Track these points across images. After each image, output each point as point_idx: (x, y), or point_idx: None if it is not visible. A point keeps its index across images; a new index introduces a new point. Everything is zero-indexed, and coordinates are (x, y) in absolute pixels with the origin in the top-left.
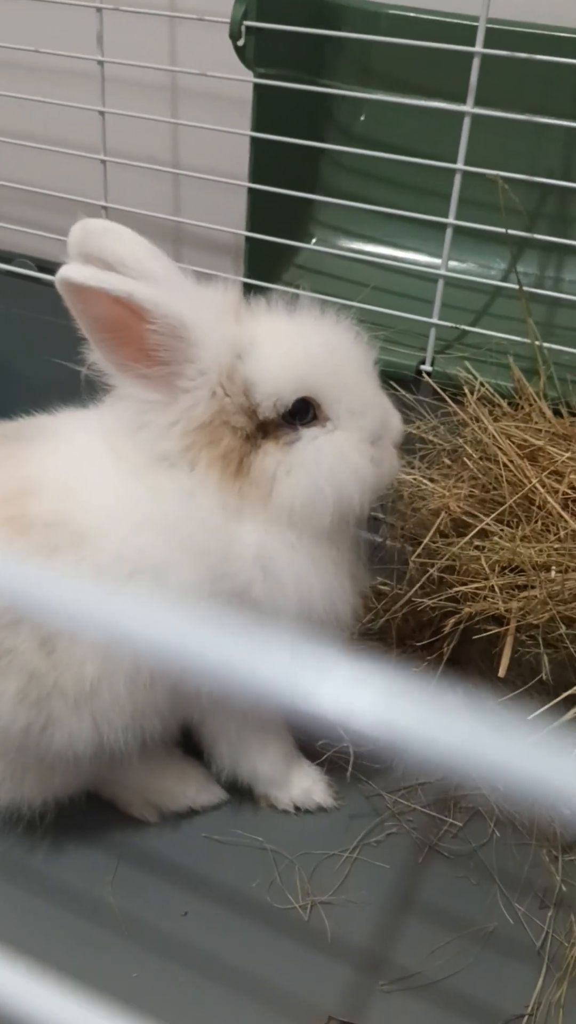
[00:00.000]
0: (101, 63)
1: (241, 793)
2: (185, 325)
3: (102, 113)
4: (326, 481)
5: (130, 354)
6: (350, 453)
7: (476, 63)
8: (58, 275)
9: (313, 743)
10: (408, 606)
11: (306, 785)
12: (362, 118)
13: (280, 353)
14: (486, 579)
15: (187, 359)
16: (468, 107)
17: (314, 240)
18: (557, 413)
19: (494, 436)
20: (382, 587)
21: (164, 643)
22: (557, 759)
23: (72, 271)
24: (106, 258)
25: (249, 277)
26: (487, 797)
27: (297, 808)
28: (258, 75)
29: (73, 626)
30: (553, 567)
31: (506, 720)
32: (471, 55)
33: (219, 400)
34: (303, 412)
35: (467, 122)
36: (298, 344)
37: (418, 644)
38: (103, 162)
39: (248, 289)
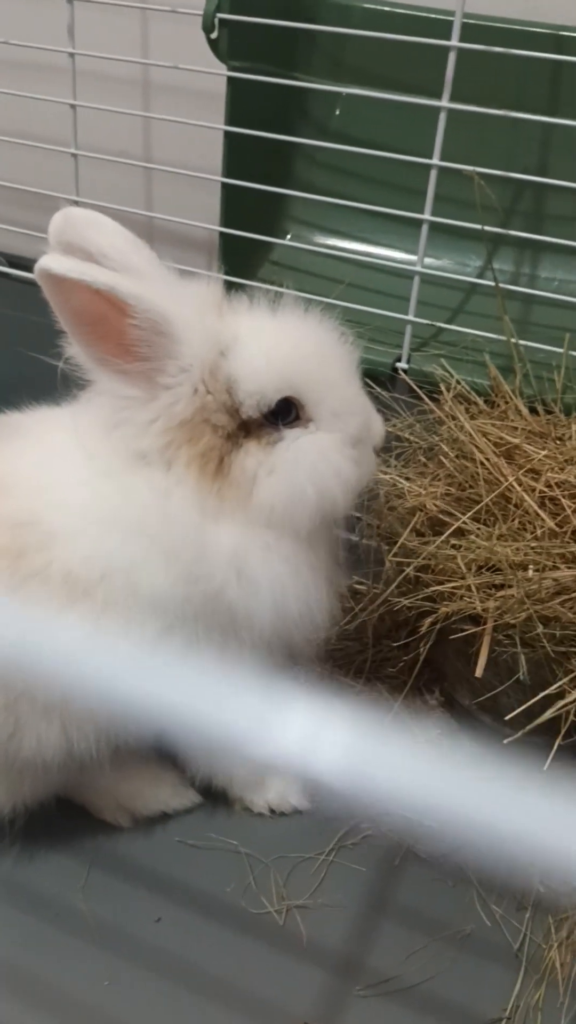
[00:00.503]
0: (72, 55)
1: (215, 796)
2: (167, 320)
3: (73, 106)
4: (308, 481)
5: (110, 349)
6: (332, 454)
7: (452, 57)
8: (38, 265)
9: None
10: (384, 606)
11: (282, 788)
12: (337, 113)
13: (265, 351)
14: (463, 578)
15: (169, 355)
16: (444, 102)
17: (289, 236)
18: (533, 411)
19: (470, 434)
20: (358, 586)
21: (110, 685)
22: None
23: (52, 261)
24: (87, 249)
25: (223, 274)
26: None
27: (272, 811)
28: (231, 68)
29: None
30: (531, 566)
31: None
32: (446, 50)
33: (201, 397)
34: (285, 412)
35: (443, 117)
36: (283, 343)
37: (394, 644)
38: (74, 156)
39: (223, 286)
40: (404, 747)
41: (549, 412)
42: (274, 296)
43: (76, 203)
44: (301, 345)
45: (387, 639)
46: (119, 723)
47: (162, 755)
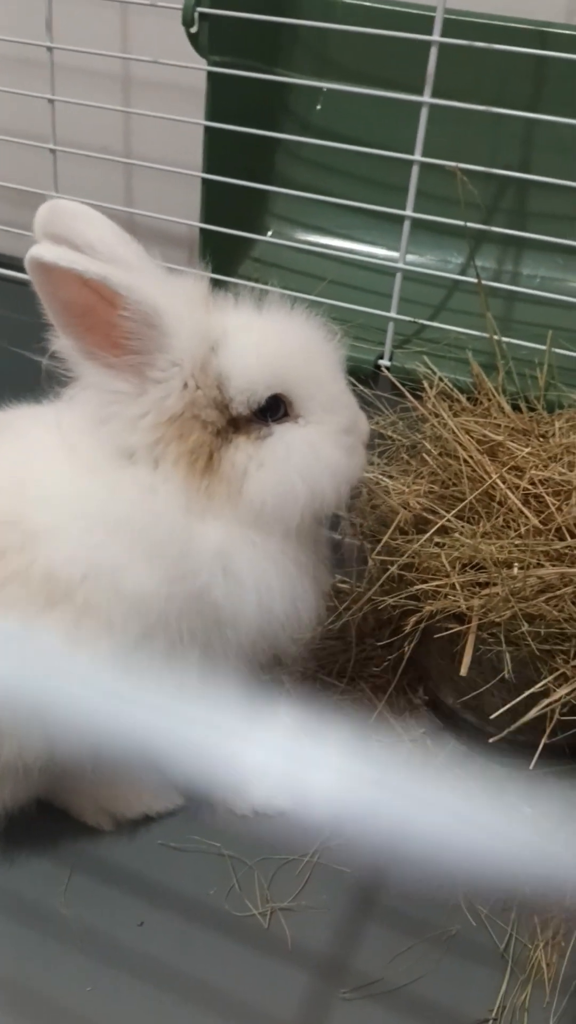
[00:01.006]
0: (50, 49)
1: (197, 798)
2: (158, 313)
3: (51, 101)
4: (299, 475)
5: (99, 341)
6: (324, 446)
7: (434, 52)
8: (28, 254)
9: None
10: (368, 605)
11: (265, 789)
12: (318, 108)
13: (255, 348)
14: (447, 576)
15: (159, 349)
16: (425, 97)
17: (270, 233)
18: (516, 408)
19: (454, 431)
20: (341, 585)
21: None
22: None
23: (43, 251)
24: (74, 241)
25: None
26: None
27: (256, 812)
28: (212, 63)
29: None
30: (515, 564)
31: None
32: (428, 45)
33: (191, 393)
34: (275, 409)
35: (424, 112)
36: (272, 340)
37: (378, 643)
38: (53, 152)
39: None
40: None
41: (532, 409)
42: (259, 293)
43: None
44: (290, 342)
45: (370, 638)
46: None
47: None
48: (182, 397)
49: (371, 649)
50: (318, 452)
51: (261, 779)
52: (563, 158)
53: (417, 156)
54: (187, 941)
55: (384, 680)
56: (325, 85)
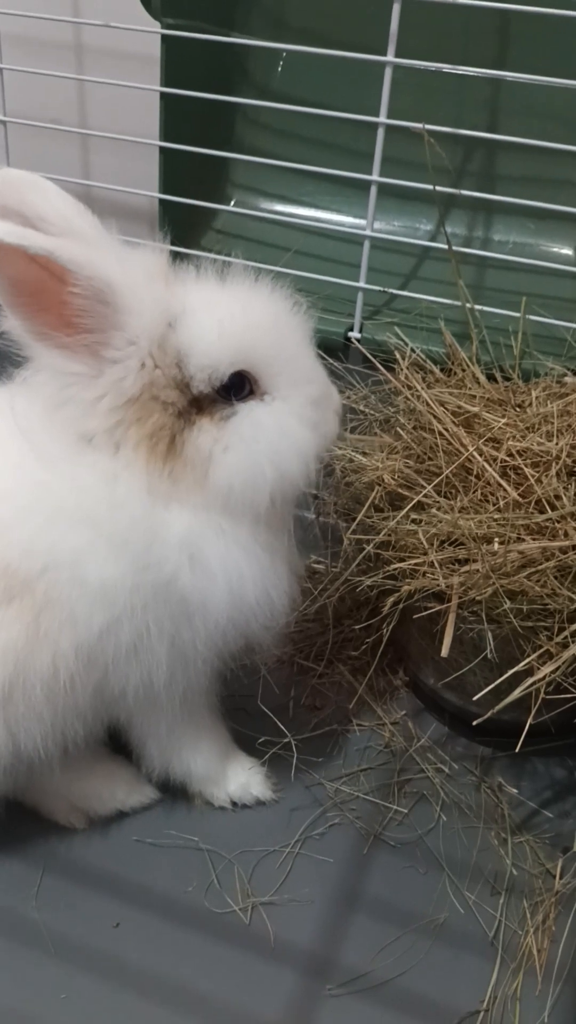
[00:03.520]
0: None
1: (174, 791)
2: (112, 289)
3: (0, 70)
4: (265, 456)
5: (50, 321)
6: (290, 424)
7: (396, 9)
8: None
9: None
10: (344, 586)
11: (243, 779)
12: (278, 71)
13: (216, 323)
14: (424, 554)
15: (114, 326)
16: (389, 57)
17: (232, 203)
18: (491, 378)
19: (428, 403)
20: (315, 566)
21: None
22: None
23: None
24: (25, 213)
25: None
26: (432, 780)
27: (234, 803)
28: (165, 26)
29: None
30: (495, 539)
31: None
32: (390, 3)
33: (149, 372)
34: (239, 386)
35: (388, 72)
36: (236, 314)
37: (357, 626)
38: (2, 123)
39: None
40: None
41: (507, 379)
42: (221, 266)
43: None
44: (254, 316)
45: (348, 619)
46: (66, 721)
47: (116, 751)
48: (140, 377)
49: (349, 631)
50: (285, 431)
51: (237, 768)
52: (530, 120)
53: (382, 118)
54: (165, 941)
55: (363, 662)
56: (285, 47)
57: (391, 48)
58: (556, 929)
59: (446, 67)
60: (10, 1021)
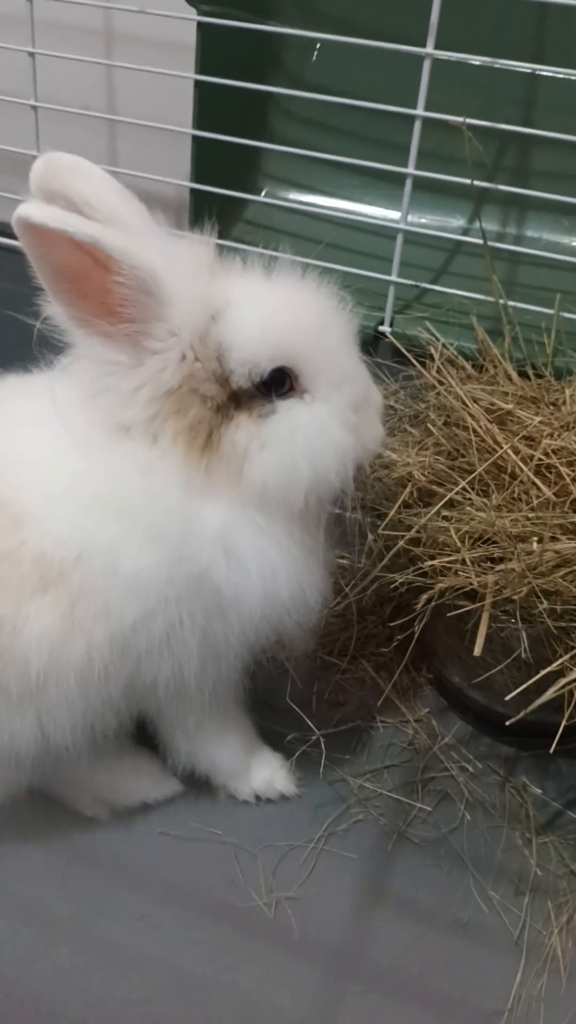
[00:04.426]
0: (30, 1)
1: (198, 784)
2: (156, 279)
3: (32, 55)
4: (303, 456)
5: (92, 308)
6: (330, 426)
7: (436, 1)
8: (16, 213)
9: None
10: (373, 582)
11: (267, 774)
12: (313, 61)
13: (259, 318)
14: (456, 552)
15: (156, 317)
16: (428, 49)
17: (263, 193)
18: (523, 375)
19: (462, 400)
20: (340, 561)
21: None
22: None
23: (31, 210)
24: (71, 198)
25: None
26: (456, 779)
27: (258, 798)
28: (202, 12)
29: None
30: (534, 539)
31: None
32: None
33: (189, 364)
34: (279, 382)
35: (427, 65)
36: (280, 309)
37: (391, 623)
38: (34, 108)
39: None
40: None
41: (539, 376)
42: (268, 259)
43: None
44: (299, 312)
45: (371, 615)
46: (97, 712)
47: (141, 743)
48: (180, 369)
49: (372, 626)
50: (324, 433)
51: (262, 762)
52: (565, 116)
53: (420, 111)
54: (190, 934)
55: (386, 658)
56: (321, 36)
57: (431, 40)
58: None
59: (488, 60)
60: (36, 1010)
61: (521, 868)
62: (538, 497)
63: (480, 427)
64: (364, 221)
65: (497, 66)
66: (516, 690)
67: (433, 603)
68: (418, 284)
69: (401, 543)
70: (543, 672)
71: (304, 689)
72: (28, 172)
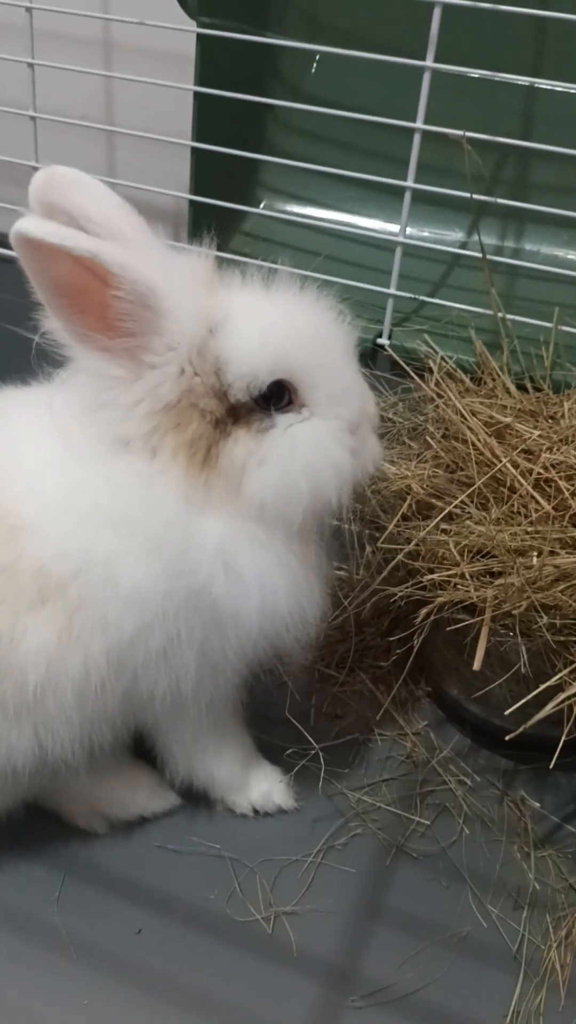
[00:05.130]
0: (29, 11)
1: (196, 798)
2: (154, 293)
3: (31, 66)
4: (301, 474)
5: (91, 323)
6: (329, 444)
7: (437, 14)
8: (14, 228)
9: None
10: (372, 595)
11: (265, 787)
12: (312, 73)
13: (258, 330)
14: (455, 565)
15: (155, 331)
16: (428, 62)
17: (262, 206)
18: (521, 388)
19: (462, 413)
20: (338, 573)
21: None
22: None
23: (29, 224)
24: (71, 211)
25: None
26: (454, 792)
27: (256, 811)
28: (201, 25)
29: None
30: (533, 553)
31: None
32: (426, 9)
33: (187, 379)
34: (278, 396)
35: (427, 78)
36: (278, 322)
37: (390, 637)
38: (33, 119)
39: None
40: None
41: (538, 389)
42: (267, 272)
43: (35, 170)
44: (297, 325)
45: (369, 627)
46: (94, 725)
47: (139, 756)
48: (179, 384)
49: (371, 639)
50: (323, 452)
51: (260, 776)
52: (564, 129)
53: (419, 124)
54: (187, 948)
55: (384, 671)
56: (321, 49)
57: (430, 53)
58: None
59: (487, 74)
60: None
61: (520, 882)
62: (537, 511)
63: (479, 440)
64: (363, 233)
65: (496, 79)
66: (515, 704)
67: (432, 617)
68: (417, 297)
69: (400, 556)
70: (543, 686)
71: (302, 702)
72: (26, 182)
